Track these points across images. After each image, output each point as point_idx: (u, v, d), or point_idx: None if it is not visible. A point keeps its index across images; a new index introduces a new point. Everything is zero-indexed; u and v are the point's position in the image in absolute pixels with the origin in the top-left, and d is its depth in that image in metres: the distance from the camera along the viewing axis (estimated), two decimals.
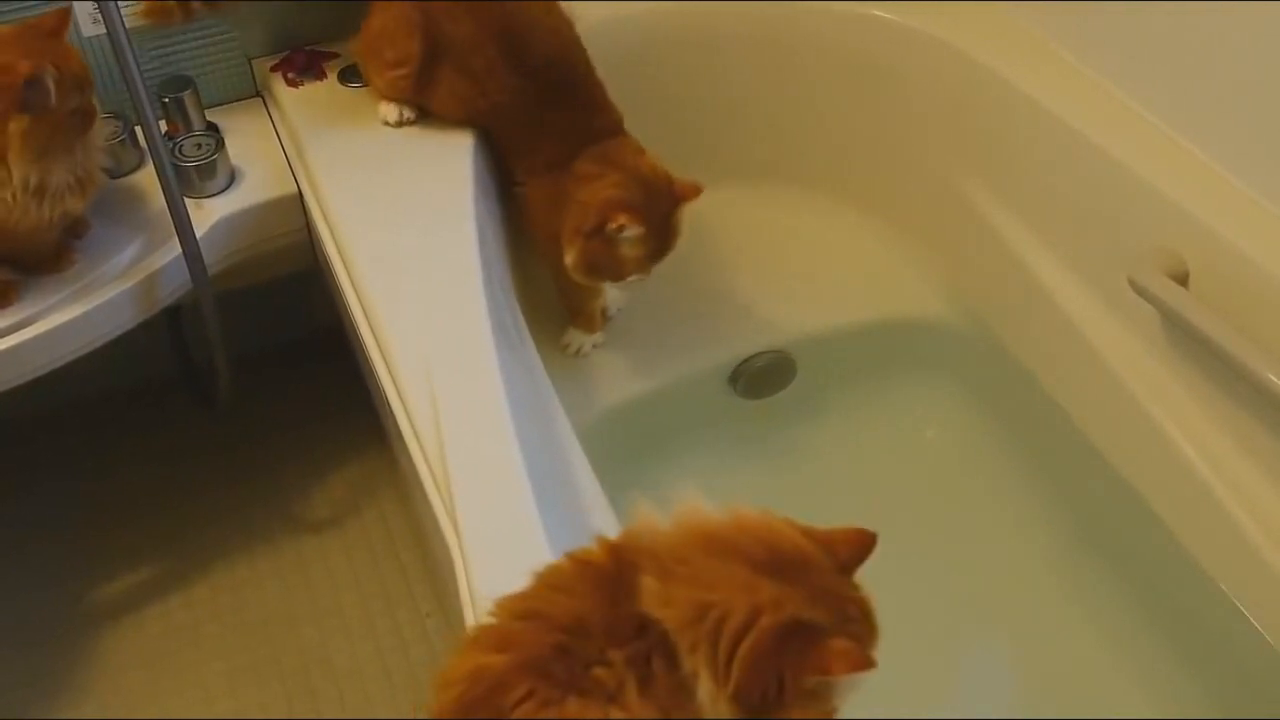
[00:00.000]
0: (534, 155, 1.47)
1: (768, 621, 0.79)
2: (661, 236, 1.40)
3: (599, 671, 0.79)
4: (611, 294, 1.62)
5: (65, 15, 1.30)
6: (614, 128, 1.48)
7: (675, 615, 0.80)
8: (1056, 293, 1.53)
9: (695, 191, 1.40)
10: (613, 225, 1.35)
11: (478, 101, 1.47)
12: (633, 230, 1.36)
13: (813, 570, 0.84)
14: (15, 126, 1.24)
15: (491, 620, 0.84)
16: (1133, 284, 1.36)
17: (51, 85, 1.24)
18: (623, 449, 1.50)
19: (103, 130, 1.40)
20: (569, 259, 1.41)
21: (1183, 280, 1.35)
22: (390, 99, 1.52)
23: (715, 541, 0.84)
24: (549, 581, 0.85)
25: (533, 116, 1.46)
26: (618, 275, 1.43)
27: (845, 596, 0.84)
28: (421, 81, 1.48)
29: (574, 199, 1.40)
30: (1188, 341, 1.36)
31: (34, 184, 1.28)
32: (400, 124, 1.52)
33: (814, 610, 0.81)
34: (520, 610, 0.84)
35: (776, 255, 1.77)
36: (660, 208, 1.39)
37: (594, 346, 1.61)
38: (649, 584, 0.81)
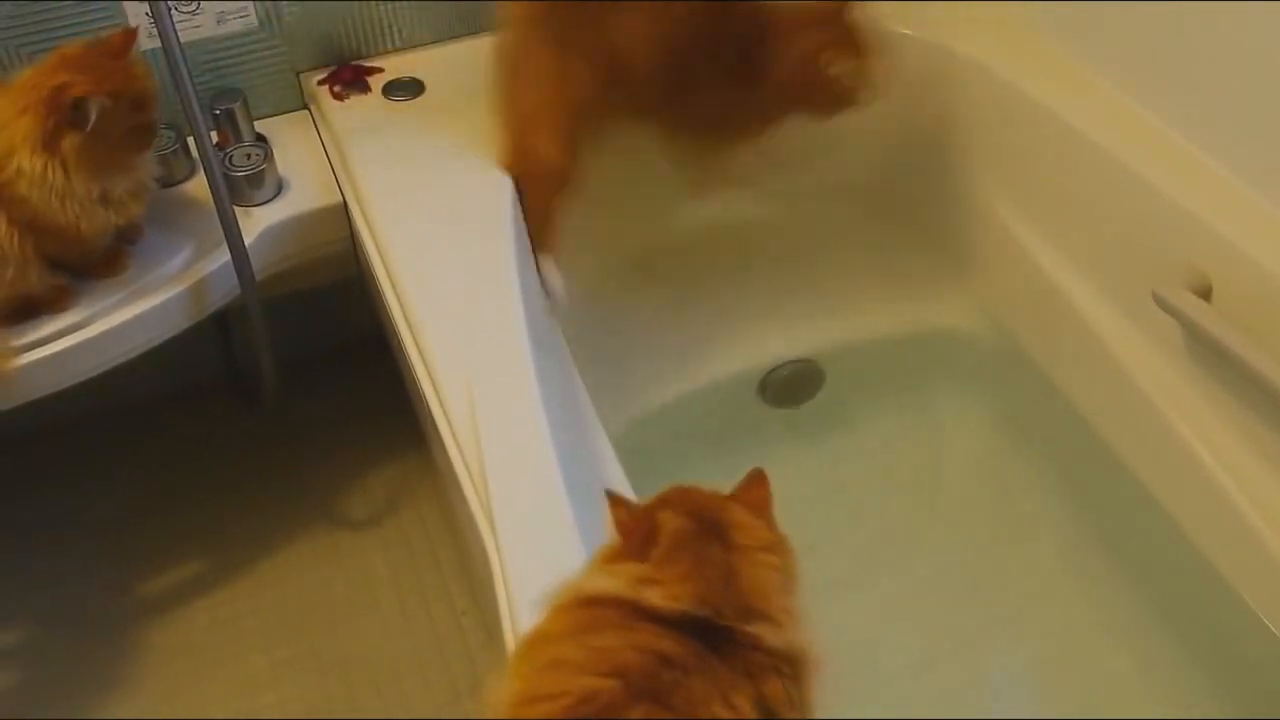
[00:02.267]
0: None
1: None
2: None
3: (720, 709, 0.81)
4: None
5: (131, 36, 1.35)
6: None
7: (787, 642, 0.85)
8: (1082, 307, 1.55)
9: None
10: None
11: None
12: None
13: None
14: (69, 142, 1.29)
15: (571, 647, 0.85)
16: (1156, 298, 1.38)
17: (93, 111, 1.28)
18: (652, 453, 1.53)
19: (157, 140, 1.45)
20: None
21: (1206, 295, 1.37)
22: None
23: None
24: (632, 613, 0.86)
25: None
26: None
27: None
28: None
29: None
30: (1210, 355, 1.38)
31: (97, 195, 1.33)
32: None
33: None
34: (616, 644, 0.84)
35: (808, 266, 1.79)
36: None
37: None
38: (765, 630, 0.85)
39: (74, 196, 1.32)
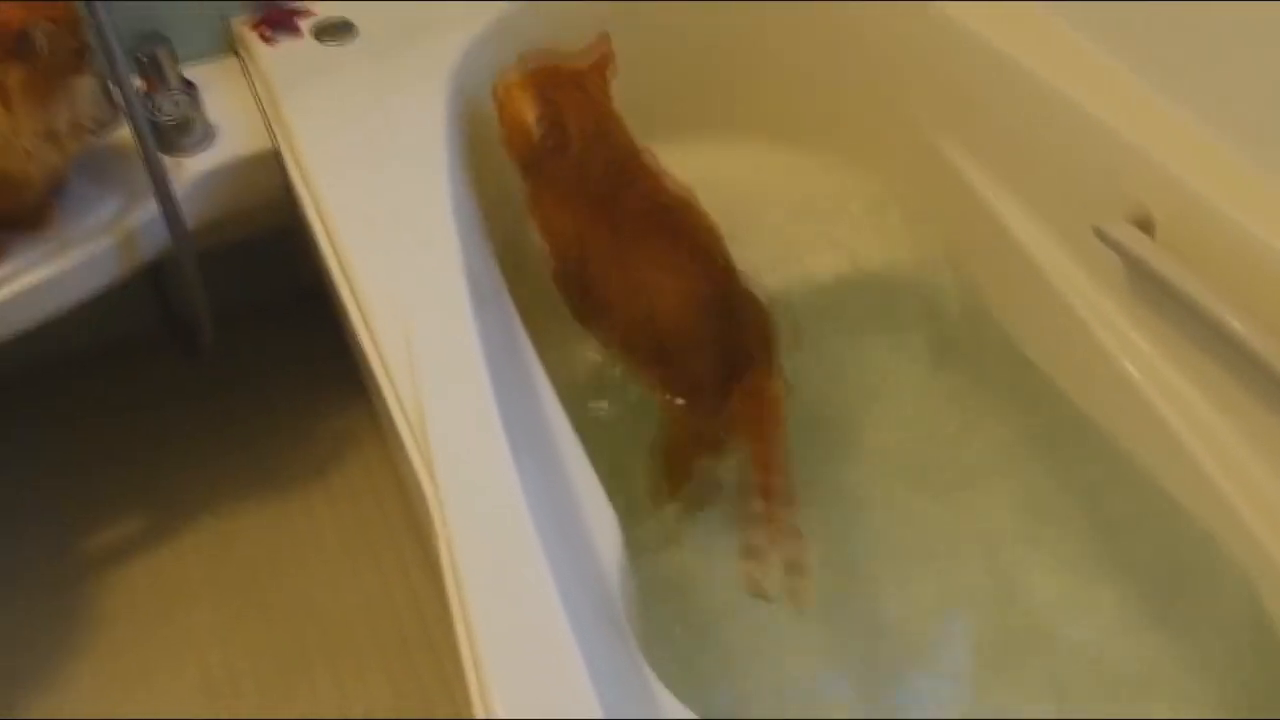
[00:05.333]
0: None
1: None
2: None
3: None
4: None
5: None
6: None
7: None
8: (1024, 241, 1.55)
9: None
10: None
11: None
12: None
13: None
14: (14, 78, 1.26)
15: None
16: (1098, 232, 1.39)
17: (43, 40, 1.25)
18: (599, 398, 1.52)
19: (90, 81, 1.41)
20: None
21: (1147, 229, 1.37)
22: None
23: None
24: None
25: None
26: None
27: None
28: None
29: None
30: (1151, 289, 1.38)
31: (43, 131, 1.31)
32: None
33: None
34: None
35: (743, 209, 1.76)
36: None
37: None
38: None
39: (21, 135, 1.29)
